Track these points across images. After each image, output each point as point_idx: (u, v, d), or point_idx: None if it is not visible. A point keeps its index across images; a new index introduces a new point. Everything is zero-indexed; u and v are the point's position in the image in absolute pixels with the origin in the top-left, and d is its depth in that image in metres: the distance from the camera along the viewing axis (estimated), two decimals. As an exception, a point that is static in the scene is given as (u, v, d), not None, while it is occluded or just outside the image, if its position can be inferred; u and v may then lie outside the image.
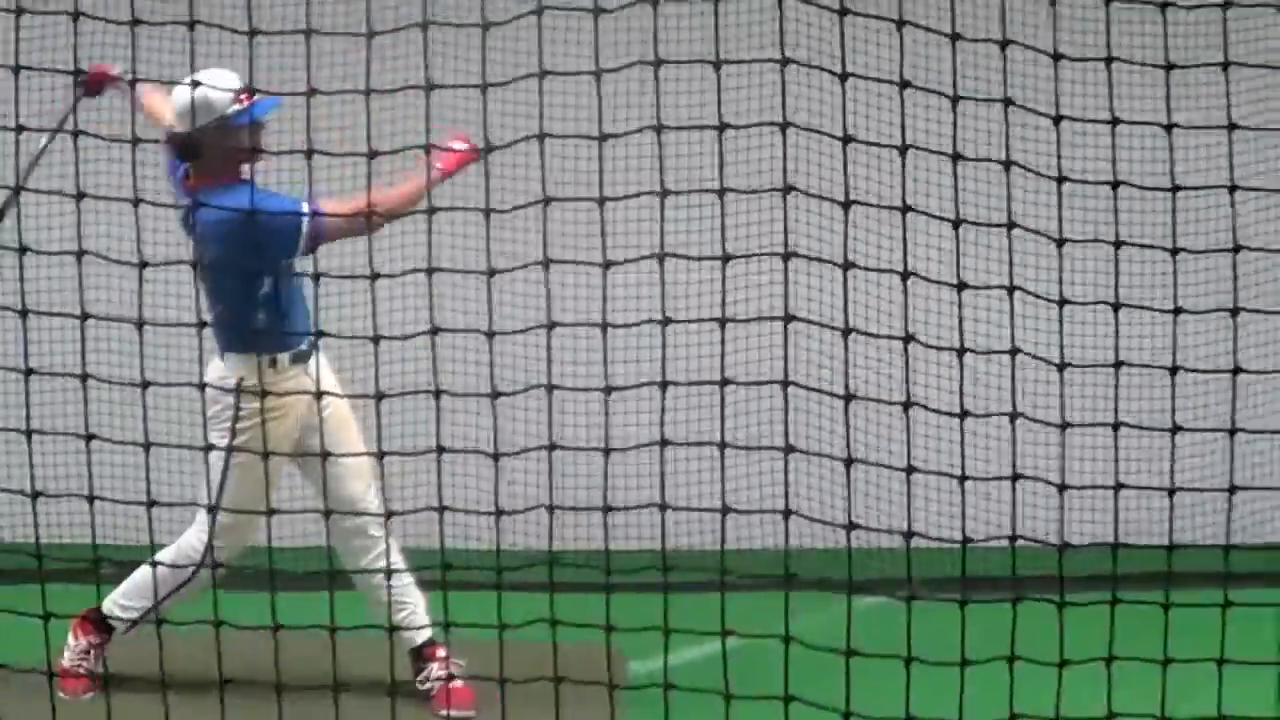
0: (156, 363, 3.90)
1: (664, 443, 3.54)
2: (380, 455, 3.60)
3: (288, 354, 4.65)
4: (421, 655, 4.82)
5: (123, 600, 4.80)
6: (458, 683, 4.70)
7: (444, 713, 4.73)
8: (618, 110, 3.95)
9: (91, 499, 3.64)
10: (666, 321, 3.58)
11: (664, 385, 3.56)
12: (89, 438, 3.58)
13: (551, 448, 3.65)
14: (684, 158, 3.93)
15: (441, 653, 4.73)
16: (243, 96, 4.50)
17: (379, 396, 3.52)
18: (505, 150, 3.69)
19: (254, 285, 4.55)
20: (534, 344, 3.70)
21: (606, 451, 3.72)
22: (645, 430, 3.83)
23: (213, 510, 4.50)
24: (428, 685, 4.79)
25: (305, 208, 4.46)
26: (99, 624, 4.83)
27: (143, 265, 3.58)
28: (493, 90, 3.43)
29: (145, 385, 3.62)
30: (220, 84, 4.40)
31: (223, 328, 4.60)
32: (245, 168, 4.49)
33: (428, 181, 4.35)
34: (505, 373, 3.96)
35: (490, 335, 3.70)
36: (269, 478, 4.18)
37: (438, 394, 3.50)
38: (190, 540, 4.70)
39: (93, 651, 4.82)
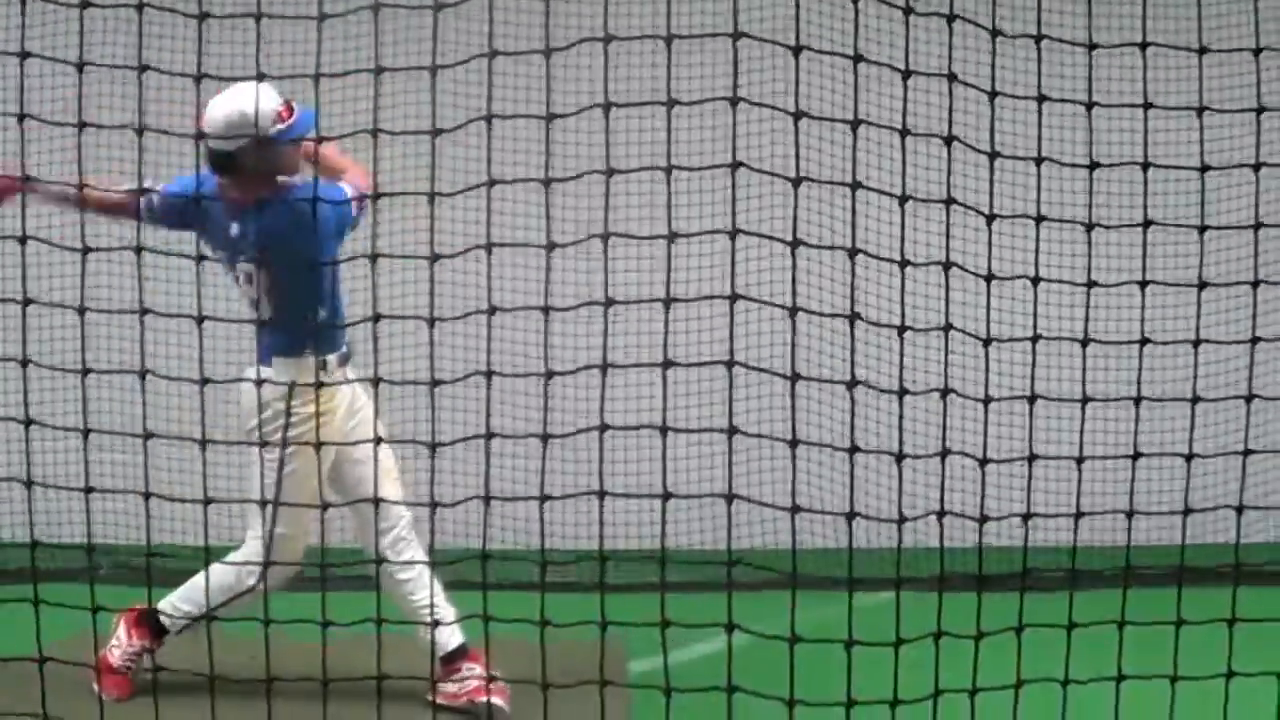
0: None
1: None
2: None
3: (336, 355, 4.58)
4: (458, 657, 4.74)
5: (180, 604, 4.70)
6: (498, 683, 4.62)
7: (482, 700, 4.64)
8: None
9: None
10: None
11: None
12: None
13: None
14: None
15: (480, 657, 4.67)
16: (282, 112, 4.41)
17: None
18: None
19: (318, 281, 4.44)
20: (476, 332, 3.61)
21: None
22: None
23: (270, 525, 4.42)
24: (464, 684, 4.71)
25: (350, 191, 4.45)
26: (154, 626, 4.75)
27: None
28: (443, 72, 3.32)
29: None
30: (261, 99, 4.28)
31: (280, 330, 4.51)
32: (283, 177, 4.48)
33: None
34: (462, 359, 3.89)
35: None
36: (321, 483, 4.03)
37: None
38: (247, 556, 4.60)
39: (144, 655, 4.74)
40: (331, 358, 4.57)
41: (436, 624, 4.39)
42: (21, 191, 4.09)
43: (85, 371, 3.47)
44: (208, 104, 4.35)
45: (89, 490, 3.51)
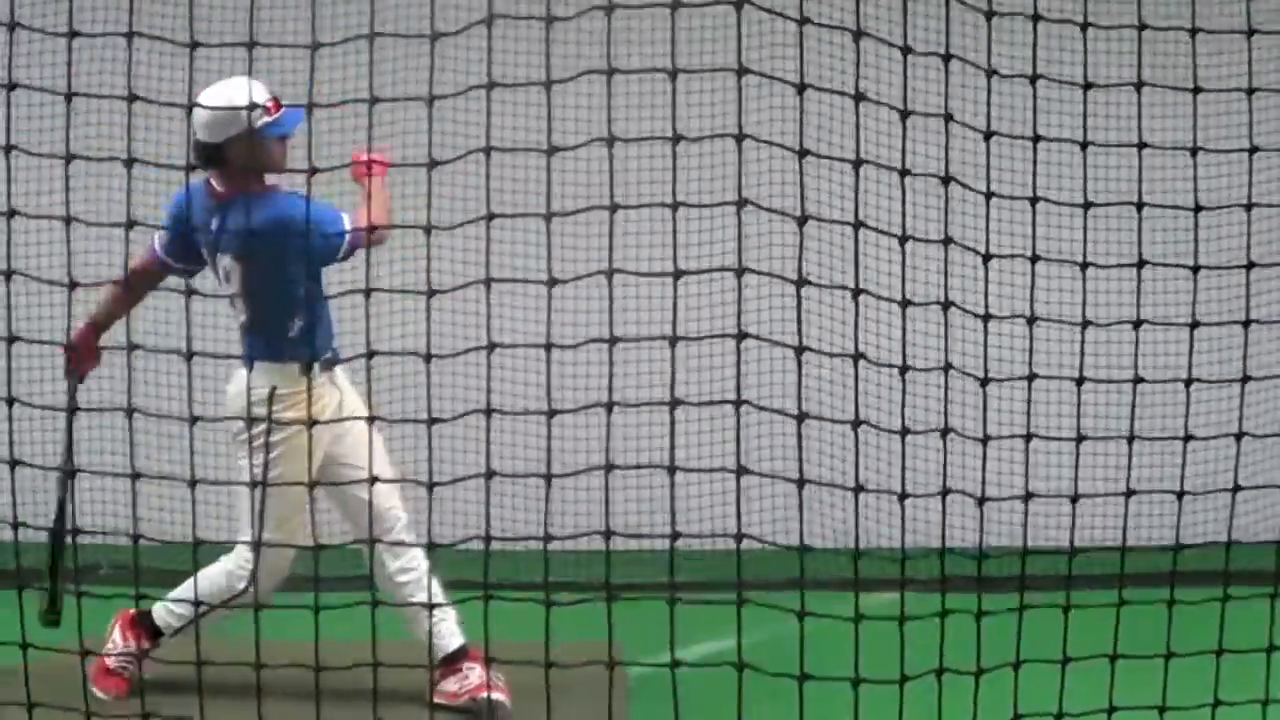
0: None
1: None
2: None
3: (319, 361, 4.49)
4: (459, 657, 4.67)
5: (174, 606, 4.67)
6: (499, 682, 4.61)
7: (484, 696, 4.58)
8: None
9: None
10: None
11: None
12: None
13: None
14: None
15: (480, 656, 4.56)
16: (269, 106, 4.38)
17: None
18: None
19: (293, 289, 4.37)
20: (477, 371, 3.54)
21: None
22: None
23: (257, 534, 4.25)
24: (465, 683, 4.65)
25: (347, 221, 4.41)
26: (149, 627, 4.71)
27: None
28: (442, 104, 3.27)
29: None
30: (250, 93, 4.23)
31: (258, 335, 4.48)
32: (271, 175, 4.44)
33: (374, 191, 4.44)
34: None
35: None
36: (309, 489, 3.98)
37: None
38: (238, 561, 4.56)
39: (141, 656, 4.68)
40: (315, 364, 4.47)
41: (433, 604, 4.31)
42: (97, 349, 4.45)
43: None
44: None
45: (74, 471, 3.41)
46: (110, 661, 4.73)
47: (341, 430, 4.50)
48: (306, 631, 3.41)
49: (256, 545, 4.28)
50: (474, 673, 4.63)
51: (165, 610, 4.68)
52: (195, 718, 3.46)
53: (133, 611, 4.69)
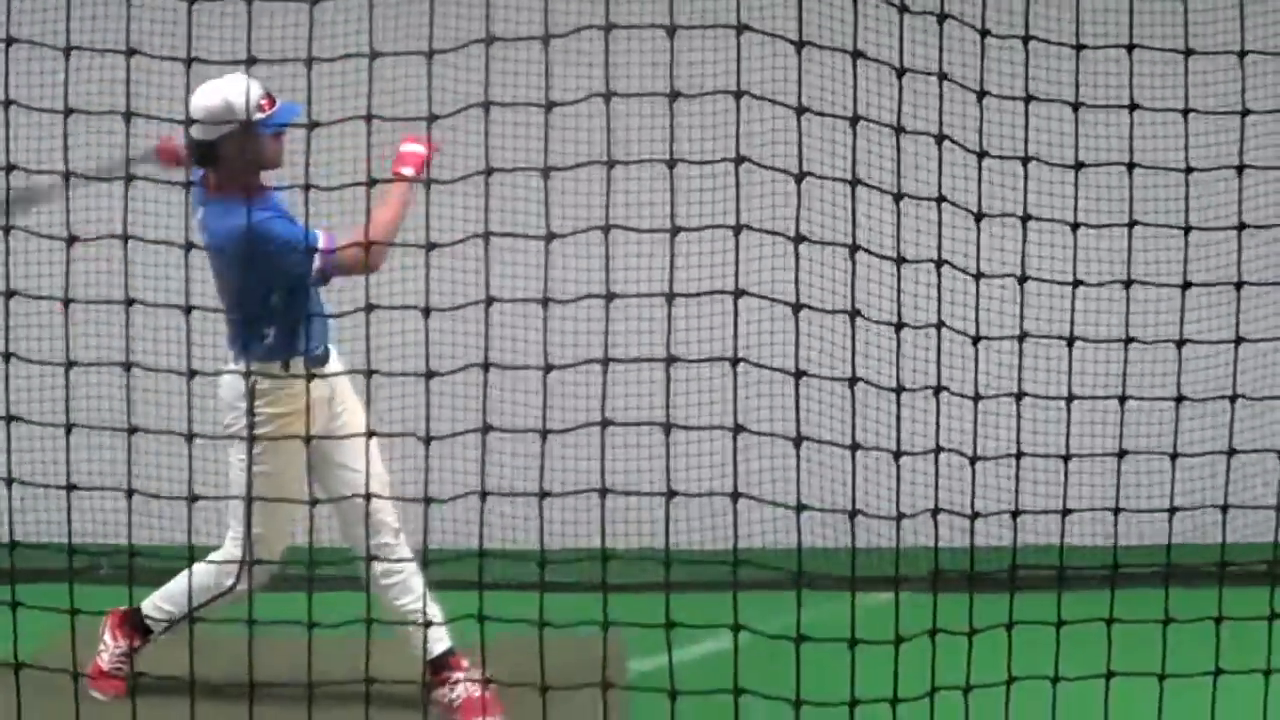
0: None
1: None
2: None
3: (302, 359, 4.44)
4: (444, 665, 4.62)
5: (162, 604, 4.68)
6: (485, 692, 4.55)
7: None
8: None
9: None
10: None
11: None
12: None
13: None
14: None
15: (465, 663, 4.59)
16: (264, 103, 4.35)
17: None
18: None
19: (261, 298, 4.37)
20: (476, 329, 3.53)
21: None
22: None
23: (246, 529, 4.28)
24: (454, 695, 4.61)
25: (323, 241, 4.33)
26: (139, 626, 4.71)
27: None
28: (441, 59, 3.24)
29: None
30: (244, 89, 4.23)
31: (235, 334, 4.48)
32: (267, 176, 4.40)
33: (405, 192, 4.34)
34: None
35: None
36: (305, 482, 3.97)
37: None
38: (226, 555, 4.54)
39: (132, 654, 4.70)
40: (296, 361, 4.45)
41: (428, 623, 4.29)
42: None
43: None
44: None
45: (71, 488, 3.37)
46: (105, 663, 4.72)
47: (336, 429, 4.46)
48: (298, 631, 3.39)
49: (246, 538, 4.25)
50: (460, 686, 4.58)
51: (154, 607, 4.68)
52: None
53: (121, 611, 4.68)
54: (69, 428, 3.37)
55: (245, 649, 3.38)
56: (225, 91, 4.29)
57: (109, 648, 4.73)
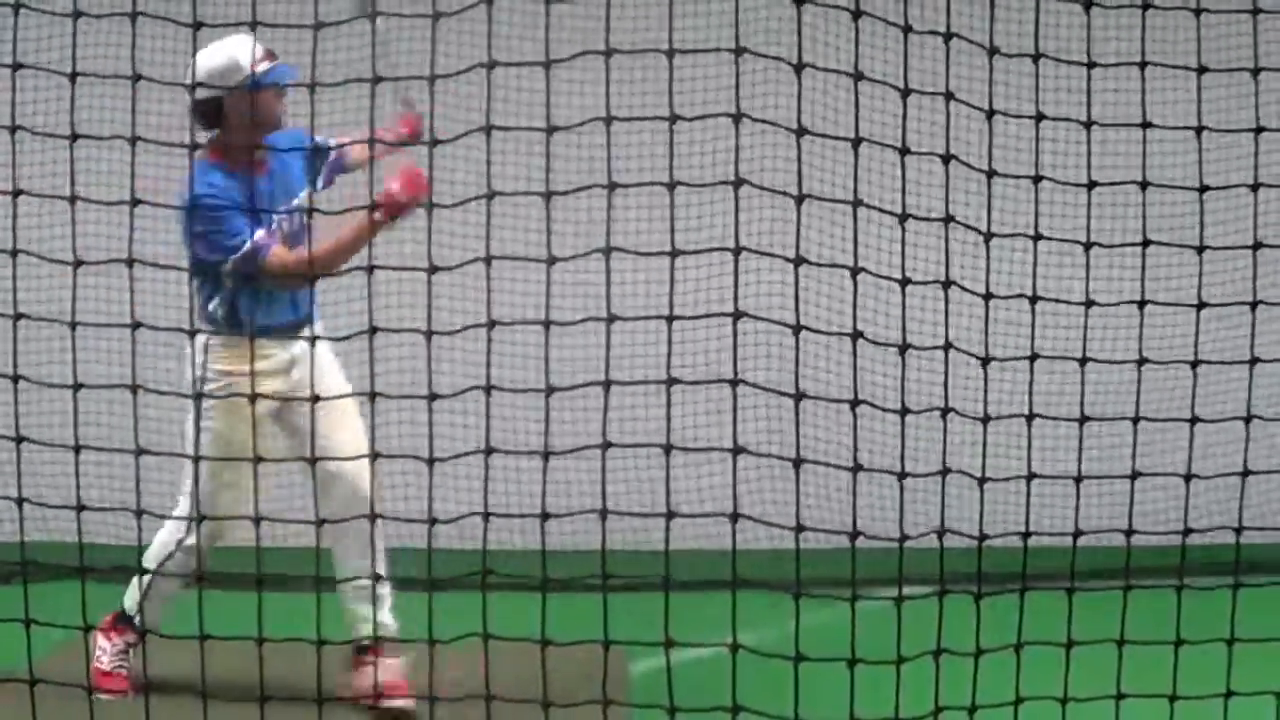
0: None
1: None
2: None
3: (262, 331, 4.47)
4: (367, 652, 4.66)
5: (134, 592, 4.76)
6: (397, 678, 4.63)
7: (385, 704, 4.56)
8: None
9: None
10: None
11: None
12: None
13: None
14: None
15: (383, 654, 4.65)
16: (265, 61, 4.45)
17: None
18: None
19: (203, 268, 4.45)
20: (476, 347, 3.56)
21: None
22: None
23: (194, 481, 4.34)
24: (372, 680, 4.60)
25: (260, 235, 4.44)
26: (129, 623, 4.77)
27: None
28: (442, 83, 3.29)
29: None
30: (248, 45, 4.38)
31: (194, 299, 4.43)
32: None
33: (369, 225, 4.33)
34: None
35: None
36: (238, 443, 4.02)
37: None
38: (181, 511, 4.61)
39: (130, 650, 4.79)
40: (250, 331, 4.44)
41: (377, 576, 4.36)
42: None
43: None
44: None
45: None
46: (105, 664, 4.78)
47: (303, 409, 4.35)
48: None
49: (194, 494, 4.28)
50: (381, 669, 4.56)
51: (129, 597, 4.76)
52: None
53: (108, 617, 4.77)
54: (77, 448, 3.44)
55: (237, 652, 3.40)
56: (228, 49, 4.42)
57: (106, 650, 4.80)
